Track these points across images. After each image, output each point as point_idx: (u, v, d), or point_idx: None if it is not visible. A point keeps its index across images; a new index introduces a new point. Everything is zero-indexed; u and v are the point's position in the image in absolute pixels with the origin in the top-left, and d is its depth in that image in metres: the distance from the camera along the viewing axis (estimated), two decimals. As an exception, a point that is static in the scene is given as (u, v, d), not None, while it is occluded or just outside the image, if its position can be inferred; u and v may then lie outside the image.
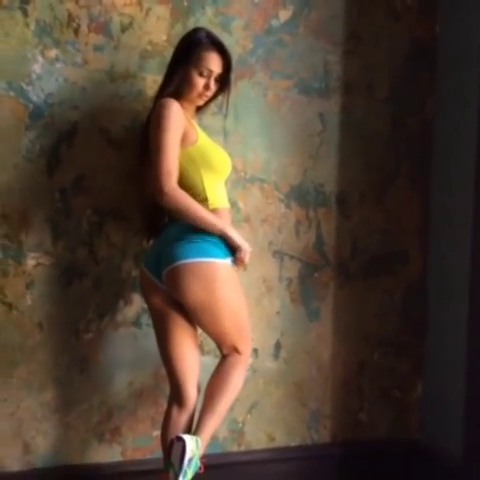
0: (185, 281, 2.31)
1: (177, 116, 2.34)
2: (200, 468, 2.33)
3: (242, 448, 2.89)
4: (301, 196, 2.86)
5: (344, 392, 2.99)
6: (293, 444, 2.95)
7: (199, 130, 2.47)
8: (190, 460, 2.25)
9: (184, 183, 2.40)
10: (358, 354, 3.00)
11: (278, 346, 2.89)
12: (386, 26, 2.90)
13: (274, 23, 2.76)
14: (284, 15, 2.77)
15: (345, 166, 2.90)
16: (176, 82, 2.42)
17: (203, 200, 2.40)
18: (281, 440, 2.94)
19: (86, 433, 2.70)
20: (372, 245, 2.97)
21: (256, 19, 2.74)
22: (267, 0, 2.74)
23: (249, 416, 2.88)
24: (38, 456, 2.66)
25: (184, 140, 2.38)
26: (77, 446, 2.70)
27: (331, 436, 2.99)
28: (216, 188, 2.45)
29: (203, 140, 2.44)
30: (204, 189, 2.41)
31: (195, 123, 2.50)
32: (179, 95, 2.43)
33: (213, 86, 2.45)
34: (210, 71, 2.41)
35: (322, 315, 2.93)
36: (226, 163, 2.50)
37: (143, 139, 2.47)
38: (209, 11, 2.68)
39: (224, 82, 2.49)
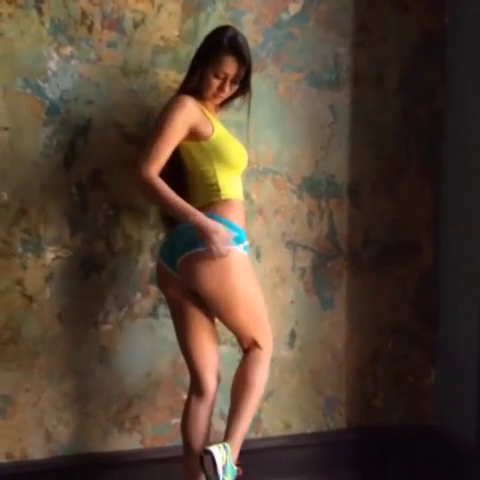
0: (199, 270, 2.35)
1: (185, 113, 2.37)
2: (238, 471, 2.38)
3: (259, 435, 2.94)
4: (313, 187, 2.90)
5: (358, 379, 3.04)
6: (309, 431, 3.00)
7: (218, 125, 2.49)
8: (224, 468, 2.30)
9: (197, 174, 2.45)
10: (372, 342, 3.04)
11: (293, 335, 2.94)
12: (395, 18, 2.93)
13: (284, 16, 2.80)
14: (294, 8, 2.81)
15: (356, 157, 2.94)
16: (196, 79, 2.46)
17: (216, 190, 2.44)
18: (297, 427, 2.99)
19: (106, 422, 2.77)
20: (384, 235, 3.01)
21: (266, 13, 2.78)
22: (277, -6, 2.79)
23: (265, 404, 2.93)
24: (60, 444, 2.72)
25: (195, 134, 2.41)
26: (98, 434, 2.76)
27: (346, 422, 3.04)
28: (230, 180, 2.48)
29: (219, 134, 2.46)
30: (217, 180, 2.44)
31: (215, 118, 2.52)
32: (198, 92, 2.47)
33: (227, 89, 2.47)
34: (225, 74, 2.44)
35: (335, 304, 2.98)
36: (242, 158, 2.52)
37: None
38: (220, 6, 2.72)
39: (244, 84, 2.51)
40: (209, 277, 2.36)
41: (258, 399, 2.48)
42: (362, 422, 3.05)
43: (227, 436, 2.43)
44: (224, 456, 2.32)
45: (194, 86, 2.46)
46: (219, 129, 2.48)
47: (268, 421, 2.95)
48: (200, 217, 2.32)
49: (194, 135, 2.42)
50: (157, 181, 2.32)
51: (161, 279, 2.52)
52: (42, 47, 2.57)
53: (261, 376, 2.48)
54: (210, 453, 2.29)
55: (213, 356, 2.52)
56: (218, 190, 2.44)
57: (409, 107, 2.98)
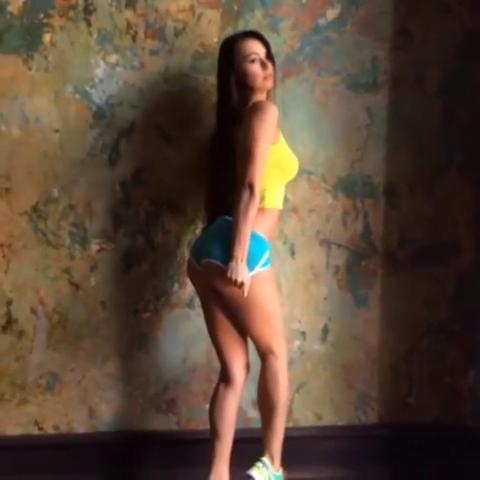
0: (219, 274, 2.47)
1: (274, 122, 2.47)
2: (284, 474, 2.66)
3: (290, 424, 3.04)
4: (348, 187, 2.98)
5: (392, 376, 3.09)
6: (340, 423, 3.09)
7: (280, 132, 2.59)
8: None
9: None
10: (407, 340, 3.08)
11: (325, 330, 3.03)
12: (436, 20, 2.94)
13: (321, 22, 2.88)
14: (331, 14, 2.88)
15: (393, 158, 2.98)
16: (242, 86, 2.54)
17: (260, 198, 2.50)
18: (328, 419, 3.08)
19: (145, 403, 2.97)
20: (421, 235, 3.04)
21: (303, 19, 2.87)
22: (315, 0, 2.87)
23: (297, 395, 3.05)
24: (102, 421, 2.96)
25: None
26: (136, 414, 2.97)
27: (378, 418, 3.10)
28: (277, 188, 2.58)
29: (282, 141, 2.59)
30: (265, 188, 2.53)
31: None
32: (251, 91, 2.55)
33: (268, 63, 2.55)
34: (256, 53, 2.54)
35: (370, 302, 3.04)
36: (295, 165, 2.63)
37: (223, 140, 2.60)
38: (258, 13, 2.85)
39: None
40: (223, 287, 2.49)
41: (285, 410, 2.66)
42: (395, 418, 3.11)
43: (264, 449, 2.65)
44: (265, 474, 2.57)
45: (244, 90, 2.54)
46: (281, 136, 2.60)
47: (299, 411, 3.06)
48: (242, 257, 2.41)
49: None
50: (254, 210, 2.43)
51: (189, 272, 2.69)
52: (90, 56, 2.79)
53: (282, 388, 2.62)
54: (252, 478, 2.54)
55: (240, 348, 2.66)
56: (262, 198, 2.52)
57: (450, 109, 2.99)
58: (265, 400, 2.65)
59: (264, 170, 2.46)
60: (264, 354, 2.62)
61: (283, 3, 2.85)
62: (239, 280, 2.40)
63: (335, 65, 2.91)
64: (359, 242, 3.01)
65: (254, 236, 2.48)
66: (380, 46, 2.92)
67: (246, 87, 2.57)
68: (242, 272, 2.41)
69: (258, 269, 2.48)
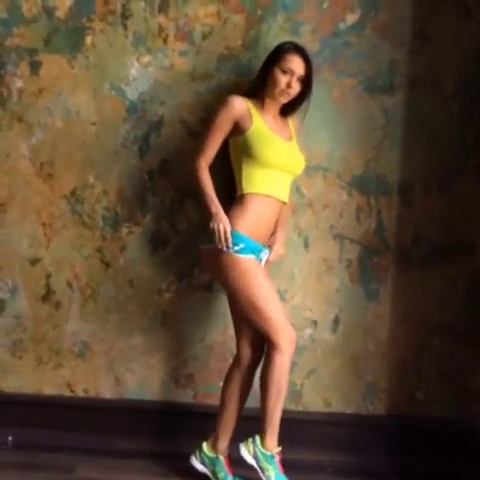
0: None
1: (228, 110, 2.77)
2: (276, 455, 2.75)
3: (300, 408, 3.22)
4: (363, 185, 3.09)
5: (401, 370, 3.18)
6: (348, 411, 3.21)
7: (259, 122, 2.78)
8: (255, 458, 2.75)
9: (234, 168, 2.83)
10: (417, 336, 3.16)
11: (336, 320, 3.17)
12: (456, 24, 3.00)
13: (341, 26, 3.02)
14: (351, 18, 3.01)
15: (409, 158, 3.07)
16: (259, 81, 2.80)
17: (240, 184, 2.79)
18: (337, 406, 3.21)
19: (165, 375, 3.23)
20: (435, 234, 3.11)
21: (324, 23, 3.02)
22: (335, 5, 3.00)
23: (307, 381, 3.20)
24: (126, 389, 3.25)
25: (238, 128, 2.79)
26: (157, 385, 3.24)
27: (386, 409, 3.19)
28: (255, 174, 2.76)
29: (256, 130, 2.76)
30: (241, 174, 2.79)
31: (265, 118, 2.80)
32: (263, 93, 2.81)
33: (295, 85, 2.77)
34: (292, 70, 2.74)
35: (381, 296, 3.14)
36: (275, 157, 2.75)
37: None
38: (280, 18, 3.02)
39: (306, 87, 2.81)
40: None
41: (281, 399, 2.76)
42: (403, 410, 3.19)
43: (260, 429, 2.78)
44: (251, 448, 2.76)
45: (259, 86, 2.80)
46: (259, 125, 2.78)
47: (309, 396, 3.21)
48: (215, 209, 2.73)
49: (237, 130, 2.79)
50: (200, 172, 2.79)
51: None
52: (125, 56, 3.08)
53: (276, 378, 2.72)
54: (240, 447, 2.77)
55: (247, 328, 2.84)
56: (241, 184, 2.78)
57: (468, 111, 3.04)
58: (261, 388, 2.78)
59: (213, 150, 2.80)
60: (267, 345, 2.76)
61: (305, 8, 3.01)
62: (218, 227, 2.68)
63: (353, 68, 3.03)
64: (372, 238, 3.12)
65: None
66: (398, 49, 3.01)
67: (264, 88, 2.79)
68: (220, 220, 2.70)
69: (231, 251, 2.69)
